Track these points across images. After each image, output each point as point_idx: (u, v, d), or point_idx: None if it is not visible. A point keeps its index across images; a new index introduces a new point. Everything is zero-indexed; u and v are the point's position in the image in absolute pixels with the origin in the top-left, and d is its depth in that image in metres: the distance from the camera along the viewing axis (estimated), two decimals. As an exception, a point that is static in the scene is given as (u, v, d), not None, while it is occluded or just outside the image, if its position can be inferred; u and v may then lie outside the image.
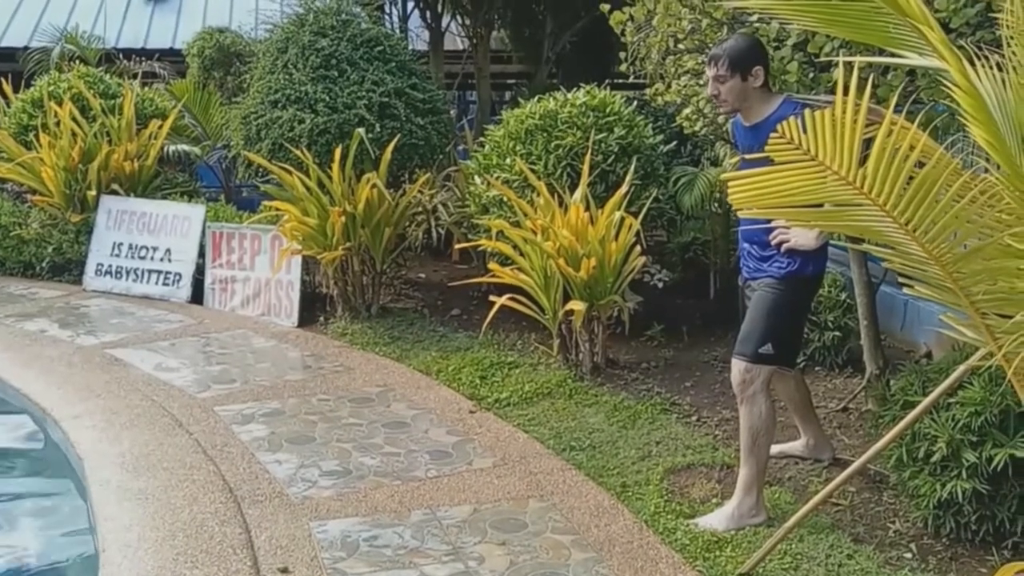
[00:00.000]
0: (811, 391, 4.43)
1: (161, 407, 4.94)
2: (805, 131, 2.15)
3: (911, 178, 2.17)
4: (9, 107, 9.23)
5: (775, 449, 4.00)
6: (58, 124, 8.18)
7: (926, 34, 2.09)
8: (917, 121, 2.41)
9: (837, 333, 5.34)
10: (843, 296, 5.40)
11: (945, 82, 2.18)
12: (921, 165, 2.21)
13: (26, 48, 11.46)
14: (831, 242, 3.74)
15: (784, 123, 2.15)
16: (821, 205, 2.38)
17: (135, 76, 10.14)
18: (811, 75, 3.89)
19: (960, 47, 2.38)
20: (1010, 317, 2.29)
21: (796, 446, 4.23)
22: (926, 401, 3.13)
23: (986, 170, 2.26)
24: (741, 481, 3.63)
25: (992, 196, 2.19)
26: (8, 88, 9.48)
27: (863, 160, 2.19)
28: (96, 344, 6.14)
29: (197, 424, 4.72)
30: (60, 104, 8.36)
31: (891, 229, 2.23)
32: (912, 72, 3.59)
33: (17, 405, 5.20)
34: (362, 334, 6.30)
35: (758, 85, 3.53)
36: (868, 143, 2.21)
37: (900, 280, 2.51)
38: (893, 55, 2.42)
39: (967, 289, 2.30)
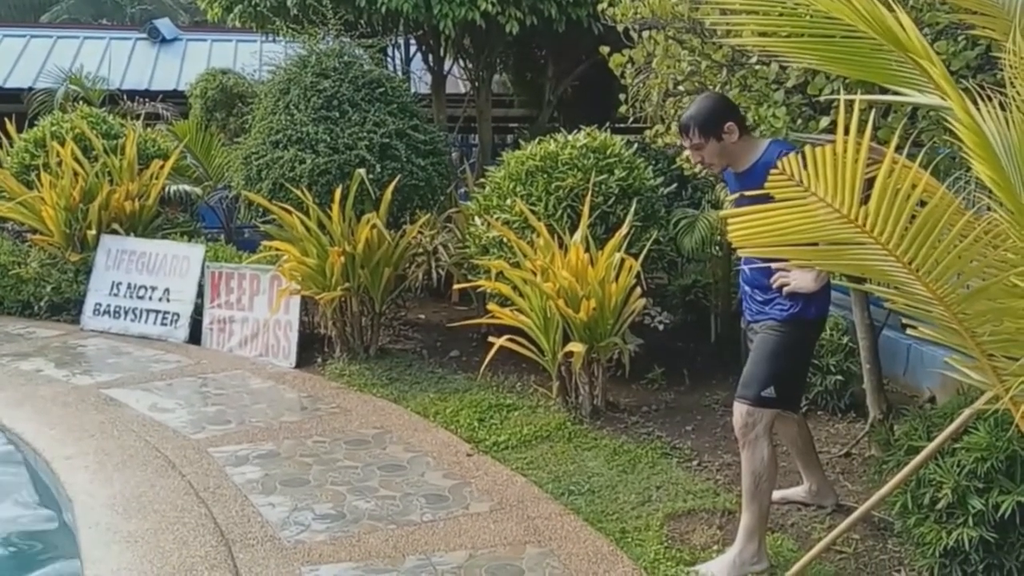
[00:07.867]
0: (813, 436, 4.37)
1: (155, 448, 4.87)
2: (806, 167, 2.11)
3: (913, 217, 2.14)
4: (12, 147, 9.27)
5: (777, 495, 3.93)
6: (60, 164, 8.20)
7: (928, 70, 2.07)
8: (918, 162, 2.38)
9: (839, 377, 5.29)
10: (845, 340, 5.35)
11: (947, 122, 2.15)
12: (923, 205, 2.18)
13: (31, 89, 11.54)
14: (833, 284, 3.70)
15: (785, 159, 2.11)
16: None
17: (138, 117, 10.18)
18: (799, 121, 3.87)
19: (964, 89, 2.36)
20: (1017, 359, 2.24)
21: (799, 492, 4.16)
22: (931, 446, 3.07)
23: (989, 209, 2.22)
24: (743, 527, 3.55)
25: (996, 235, 2.15)
26: (12, 128, 9.52)
27: (863, 201, 2.16)
28: (91, 384, 6.09)
29: (190, 466, 4.65)
30: (62, 144, 8.38)
31: (894, 268, 2.19)
32: (913, 114, 3.58)
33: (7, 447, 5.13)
34: (360, 375, 6.24)
35: (736, 139, 3.49)
36: (868, 184, 2.18)
37: (904, 322, 2.46)
38: (895, 94, 2.40)
39: (972, 330, 2.25)
